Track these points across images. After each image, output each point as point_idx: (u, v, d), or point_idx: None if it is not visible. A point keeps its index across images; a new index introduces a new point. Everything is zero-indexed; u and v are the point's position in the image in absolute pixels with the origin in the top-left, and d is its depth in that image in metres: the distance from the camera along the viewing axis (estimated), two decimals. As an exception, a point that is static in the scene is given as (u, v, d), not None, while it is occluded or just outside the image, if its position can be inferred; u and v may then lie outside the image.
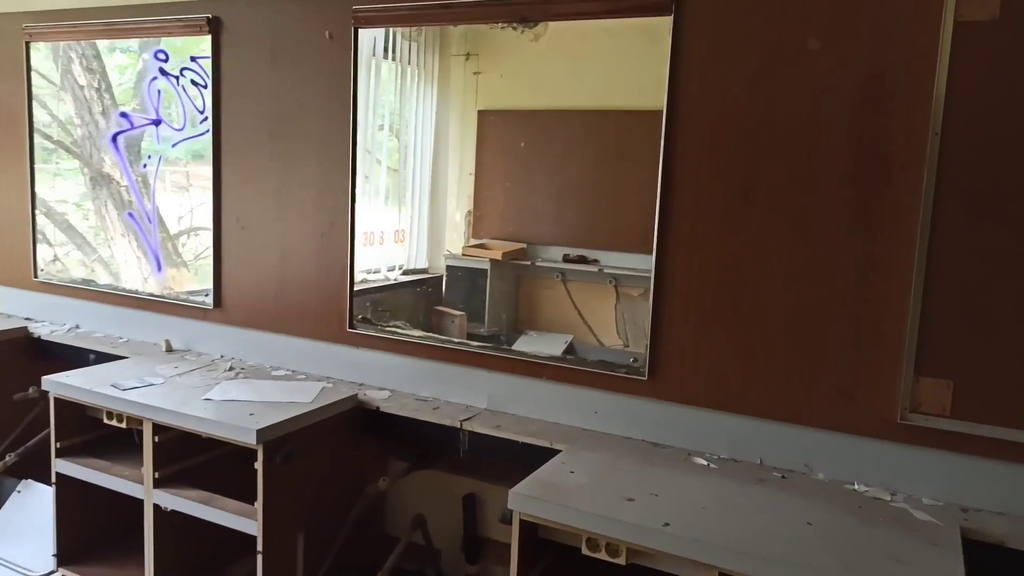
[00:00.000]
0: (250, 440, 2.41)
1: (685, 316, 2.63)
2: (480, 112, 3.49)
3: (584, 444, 2.55)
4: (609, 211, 3.32)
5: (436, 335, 3.26)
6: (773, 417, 2.23)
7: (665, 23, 2.68)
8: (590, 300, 3.47)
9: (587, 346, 3.43)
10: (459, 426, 2.79)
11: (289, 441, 2.57)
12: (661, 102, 2.72)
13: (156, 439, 2.58)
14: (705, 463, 2.29)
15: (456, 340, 3.21)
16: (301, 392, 2.94)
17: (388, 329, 3.27)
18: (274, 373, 3.29)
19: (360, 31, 3.24)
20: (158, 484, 2.63)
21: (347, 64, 3.25)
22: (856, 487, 2.12)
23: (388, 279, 3.53)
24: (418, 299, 3.50)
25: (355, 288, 3.31)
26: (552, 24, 3.31)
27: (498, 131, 3.47)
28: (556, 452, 2.50)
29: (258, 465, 2.42)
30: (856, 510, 2.01)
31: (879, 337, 2.08)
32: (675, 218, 2.62)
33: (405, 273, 3.56)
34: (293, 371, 3.32)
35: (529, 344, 3.37)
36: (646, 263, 3.21)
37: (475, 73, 3.52)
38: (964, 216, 2.00)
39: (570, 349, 3.35)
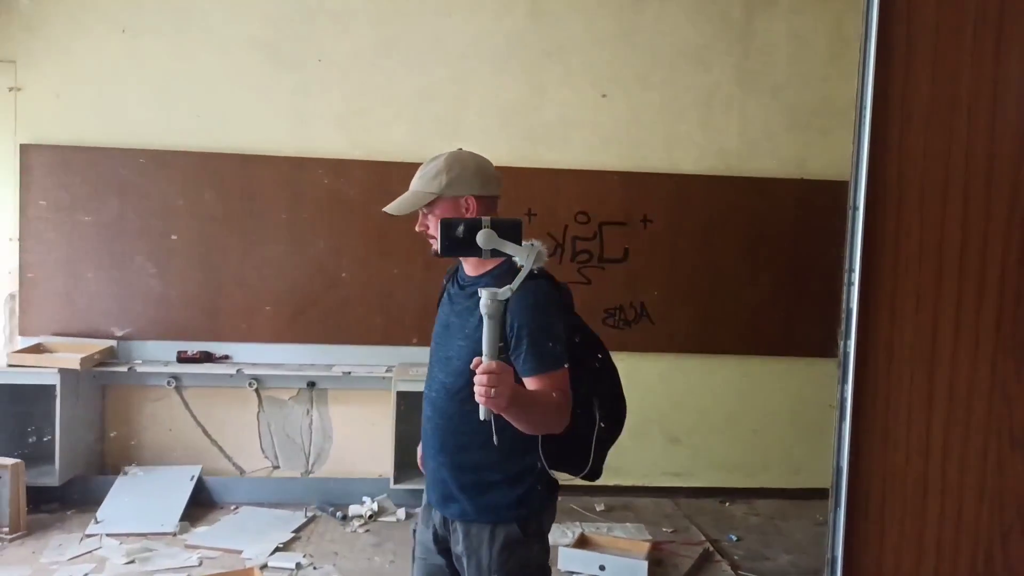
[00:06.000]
0: None
1: None
2: (24, 147, 2.31)
3: None
4: (241, 286, 2.42)
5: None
6: None
7: None
8: (220, 410, 2.49)
9: (224, 478, 2.45)
10: None
11: None
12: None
13: None
14: None
15: None
16: None
17: None
18: None
19: None
20: None
21: None
22: None
23: None
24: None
25: None
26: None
27: (58, 177, 2.33)
28: None
29: None
30: None
31: None
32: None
33: None
34: None
35: (134, 491, 2.25)
36: (297, 355, 2.50)
37: (12, 89, 2.33)
38: None
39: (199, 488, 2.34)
